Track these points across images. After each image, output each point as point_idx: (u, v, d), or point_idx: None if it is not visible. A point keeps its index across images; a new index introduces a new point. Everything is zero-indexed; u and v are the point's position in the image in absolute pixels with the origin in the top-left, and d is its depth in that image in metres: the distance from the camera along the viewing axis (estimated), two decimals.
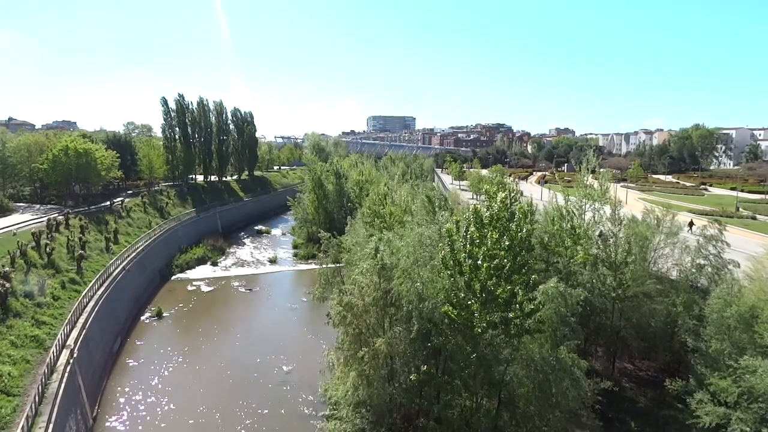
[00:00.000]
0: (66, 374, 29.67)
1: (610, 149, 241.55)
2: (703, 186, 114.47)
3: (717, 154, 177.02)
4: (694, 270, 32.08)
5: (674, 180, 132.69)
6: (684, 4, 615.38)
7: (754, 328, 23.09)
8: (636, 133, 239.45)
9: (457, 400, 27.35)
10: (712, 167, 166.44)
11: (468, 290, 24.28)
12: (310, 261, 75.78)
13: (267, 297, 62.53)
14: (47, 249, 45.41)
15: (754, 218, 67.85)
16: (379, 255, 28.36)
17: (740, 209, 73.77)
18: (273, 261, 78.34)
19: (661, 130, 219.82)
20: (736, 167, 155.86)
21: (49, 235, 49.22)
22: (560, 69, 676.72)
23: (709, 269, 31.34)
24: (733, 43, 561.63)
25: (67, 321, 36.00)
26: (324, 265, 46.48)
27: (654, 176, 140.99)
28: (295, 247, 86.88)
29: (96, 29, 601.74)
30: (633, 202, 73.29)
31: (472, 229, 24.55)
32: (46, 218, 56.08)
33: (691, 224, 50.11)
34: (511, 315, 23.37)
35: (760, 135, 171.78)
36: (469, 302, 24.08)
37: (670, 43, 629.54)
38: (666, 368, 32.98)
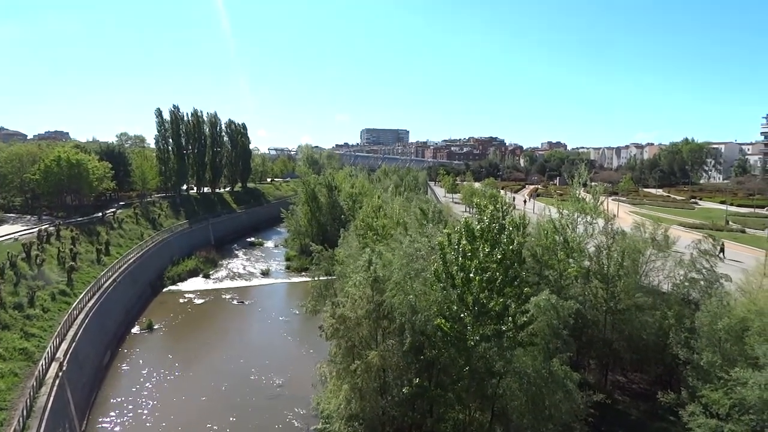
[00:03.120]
0: (55, 388, 29.38)
1: (602, 163, 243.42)
2: (693, 200, 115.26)
3: (707, 168, 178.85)
4: (687, 283, 32.23)
5: (665, 193, 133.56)
6: (672, 20, 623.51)
7: (744, 340, 23.21)
8: (627, 147, 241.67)
9: (450, 414, 27.30)
10: (702, 181, 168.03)
11: (461, 303, 24.31)
12: (303, 273, 75.39)
13: (259, 309, 62.21)
14: (37, 260, 45.11)
15: (743, 231, 68.38)
16: (372, 267, 28.38)
17: (730, 223, 74.26)
18: (266, 273, 78.08)
19: (652, 144, 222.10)
20: (725, 181, 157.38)
21: (40, 246, 48.91)
22: (552, 83, 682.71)
23: (702, 283, 31.51)
24: (722, 58, 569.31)
25: (56, 333, 35.69)
26: (316, 278, 46.42)
27: (645, 190, 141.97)
28: (287, 259, 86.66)
29: (89, 39, 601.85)
30: (624, 216, 73.66)
31: (464, 242, 24.64)
32: (36, 229, 55.72)
33: (722, 249, 47.11)
34: (503, 328, 23.39)
35: (748, 149, 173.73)
36: (462, 315, 24.10)
37: (659, 56, 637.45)
38: (658, 380, 33.02)
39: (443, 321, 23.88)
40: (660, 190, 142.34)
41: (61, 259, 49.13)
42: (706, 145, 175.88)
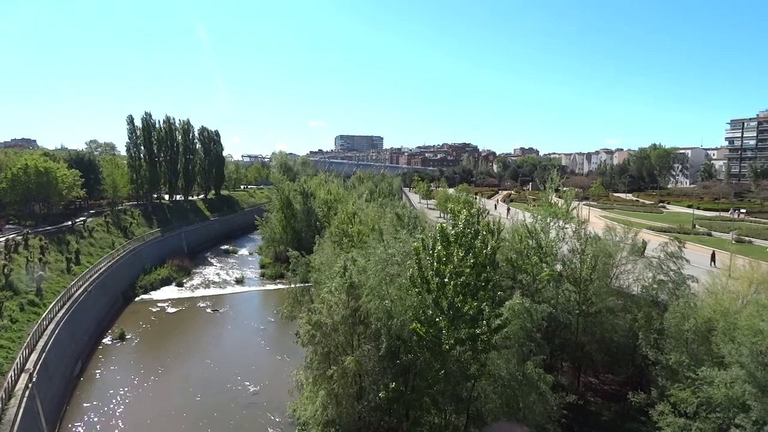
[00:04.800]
0: (24, 399, 28.78)
1: (573, 168, 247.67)
2: (661, 204, 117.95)
3: (674, 173, 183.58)
4: (655, 285, 32.98)
5: (634, 198, 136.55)
6: (638, 29, 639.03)
7: (710, 340, 23.90)
8: (597, 152, 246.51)
9: (426, 418, 27.50)
10: (669, 186, 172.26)
11: (436, 307, 24.53)
12: (277, 281, 75.05)
13: (233, 317, 61.64)
14: (5, 270, 44.10)
15: (709, 234, 70.27)
16: (347, 273, 28.48)
17: (696, 226, 76.26)
18: (240, 281, 77.40)
19: (621, 149, 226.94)
20: (692, 186, 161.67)
21: (8, 256, 47.80)
22: (523, 91, 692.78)
23: (670, 285, 32.29)
24: (687, 65, 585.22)
25: (25, 344, 34.89)
26: (292, 284, 46.25)
27: (615, 194, 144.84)
28: (262, 266, 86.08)
29: (55, 43, 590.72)
30: (595, 220, 75.04)
31: (439, 247, 24.91)
32: (3, 239, 54.42)
33: (713, 257, 47.33)
34: (478, 331, 23.68)
35: (713, 155, 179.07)
36: (437, 319, 24.32)
37: (625, 64, 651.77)
38: (629, 381, 33.69)
39: (419, 325, 24.07)
40: (629, 195, 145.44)
41: (29, 268, 48.05)
42: (673, 151, 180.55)
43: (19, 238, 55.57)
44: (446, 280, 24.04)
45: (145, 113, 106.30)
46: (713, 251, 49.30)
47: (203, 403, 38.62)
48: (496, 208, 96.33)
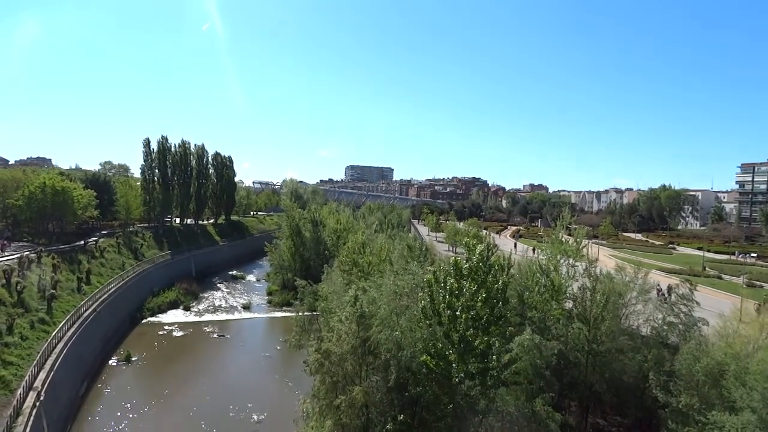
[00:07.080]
0: (32, 418, 28.87)
1: (582, 206, 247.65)
2: (671, 245, 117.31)
3: (684, 215, 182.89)
4: (665, 327, 32.84)
5: (644, 238, 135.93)
6: (649, 72, 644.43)
7: (721, 384, 23.74)
8: (607, 191, 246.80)
9: None
10: (679, 227, 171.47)
11: (446, 340, 24.63)
12: (284, 308, 75.03)
13: (240, 344, 61.59)
14: (18, 287, 44.56)
15: (720, 278, 69.73)
16: (358, 303, 28.65)
17: (707, 269, 75.78)
18: (247, 307, 77.46)
19: (631, 189, 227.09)
20: (702, 228, 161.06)
21: (21, 273, 48.32)
22: (534, 127, 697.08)
23: (680, 326, 32.15)
24: (696, 108, 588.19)
25: (35, 362, 35.11)
26: (300, 313, 46.33)
27: (624, 234, 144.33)
28: (269, 293, 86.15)
29: (70, 65, 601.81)
30: (604, 259, 74.76)
31: (452, 280, 25.12)
32: (17, 255, 55.06)
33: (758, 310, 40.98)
34: (488, 365, 23.69)
35: (724, 197, 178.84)
36: (447, 352, 24.39)
37: (636, 105, 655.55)
38: (638, 424, 33.21)
39: (428, 358, 24.15)
40: (639, 235, 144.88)
41: (41, 286, 48.51)
42: (683, 192, 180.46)
43: (32, 255, 56.18)
44: (458, 313, 24.19)
45: (162, 137, 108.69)
46: (758, 304, 42.32)
47: (206, 428, 38.44)
48: (515, 246, 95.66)
